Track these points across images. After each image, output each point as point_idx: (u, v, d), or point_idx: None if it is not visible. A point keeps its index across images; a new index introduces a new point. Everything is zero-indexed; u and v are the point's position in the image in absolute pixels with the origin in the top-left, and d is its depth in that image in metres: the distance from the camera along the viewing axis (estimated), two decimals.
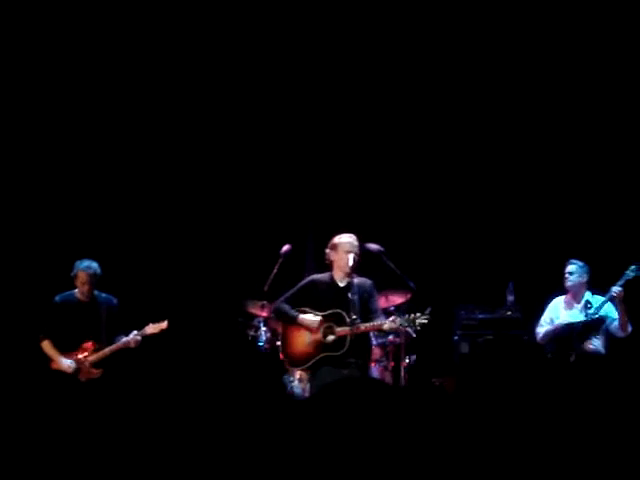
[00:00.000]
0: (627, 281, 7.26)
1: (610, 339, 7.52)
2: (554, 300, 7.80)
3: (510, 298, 8.36)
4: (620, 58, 8.88)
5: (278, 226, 9.32)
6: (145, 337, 7.36)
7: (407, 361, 8.10)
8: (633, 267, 7.25)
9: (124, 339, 7.29)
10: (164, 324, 7.35)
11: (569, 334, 7.44)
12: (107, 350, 7.29)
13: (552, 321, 7.70)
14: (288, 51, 9.31)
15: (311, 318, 6.78)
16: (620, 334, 7.43)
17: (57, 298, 7.43)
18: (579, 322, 7.43)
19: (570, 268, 7.62)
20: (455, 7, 9.04)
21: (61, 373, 7.27)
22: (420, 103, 9.48)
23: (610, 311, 7.42)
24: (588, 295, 7.55)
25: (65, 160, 9.24)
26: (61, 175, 9.25)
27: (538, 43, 9.01)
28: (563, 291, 7.76)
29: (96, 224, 9.18)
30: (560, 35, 8.94)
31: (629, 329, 7.40)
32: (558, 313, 7.73)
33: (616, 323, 7.39)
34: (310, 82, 9.43)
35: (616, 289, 7.25)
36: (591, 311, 7.39)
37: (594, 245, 8.68)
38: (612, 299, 7.33)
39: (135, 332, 7.32)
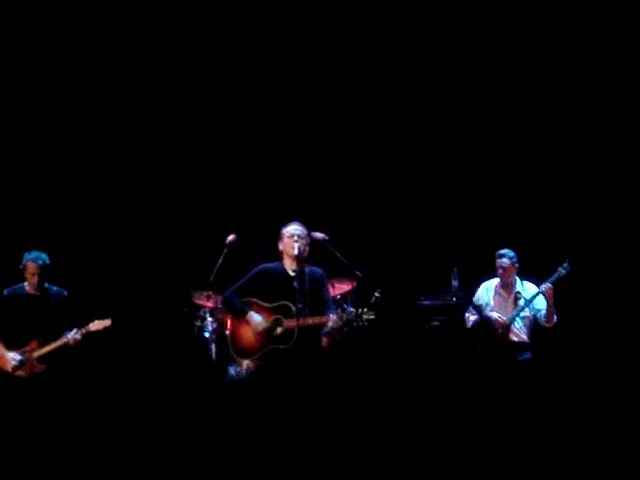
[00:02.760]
0: (558, 279, 7.50)
1: (534, 329, 7.76)
2: (485, 284, 7.92)
3: (455, 283, 8.42)
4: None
5: (223, 216, 9.27)
6: (90, 333, 7.22)
7: None
8: (565, 265, 7.51)
9: (64, 337, 7.17)
10: (108, 322, 7.23)
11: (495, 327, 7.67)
12: (52, 346, 7.17)
13: (481, 308, 7.84)
14: (227, 47, 9.30)
15: (257, 320, 6.75)
16: (546, 324, 7.69)
17: (5, 292, 7.31)
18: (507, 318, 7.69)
19: (503, 261, 7.75)
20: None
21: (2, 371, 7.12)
22: (359, 86, 9.48)
23: (539, 302, 7.67)
24: (518, 283, 7.74)
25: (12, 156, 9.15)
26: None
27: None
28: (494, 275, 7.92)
29: (37, 217, 9.06)
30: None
31: (554, 320, 7.66)
32: (489, 299, 7.87)
33: (543, 313, 7.63)
34: (250, 76, 9.42)
35: (546, 285, 7.51)
36: (522, 303, 7.65)
37: (527, 231, 8.90)
38: (542, 293, 7.57)
39: (76, 330, 7.18)
